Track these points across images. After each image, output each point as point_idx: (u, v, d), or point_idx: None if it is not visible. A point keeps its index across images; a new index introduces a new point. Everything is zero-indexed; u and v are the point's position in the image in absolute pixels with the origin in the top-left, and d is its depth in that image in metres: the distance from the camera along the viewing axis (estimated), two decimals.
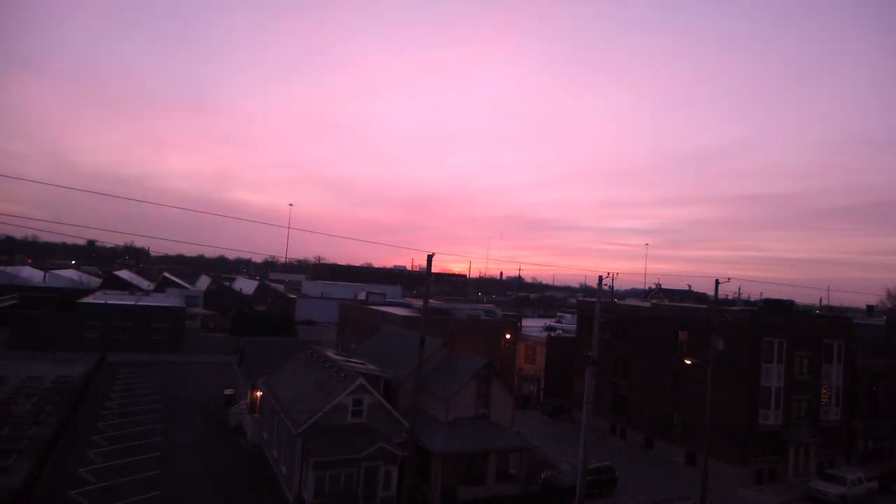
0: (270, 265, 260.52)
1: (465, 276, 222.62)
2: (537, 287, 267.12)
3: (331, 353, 40.85)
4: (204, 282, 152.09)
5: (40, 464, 30.15)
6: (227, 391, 49.92)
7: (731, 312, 42.97)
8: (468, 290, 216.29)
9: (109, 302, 76.52)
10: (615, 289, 39.54)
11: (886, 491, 41.71)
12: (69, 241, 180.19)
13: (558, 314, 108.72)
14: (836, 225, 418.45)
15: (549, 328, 75.23)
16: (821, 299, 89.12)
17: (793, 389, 42.85)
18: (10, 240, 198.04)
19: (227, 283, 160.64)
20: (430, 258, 27.66)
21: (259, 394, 39.22)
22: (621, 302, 65.00)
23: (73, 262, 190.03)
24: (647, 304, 61.39)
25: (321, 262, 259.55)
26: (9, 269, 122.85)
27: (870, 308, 73.49)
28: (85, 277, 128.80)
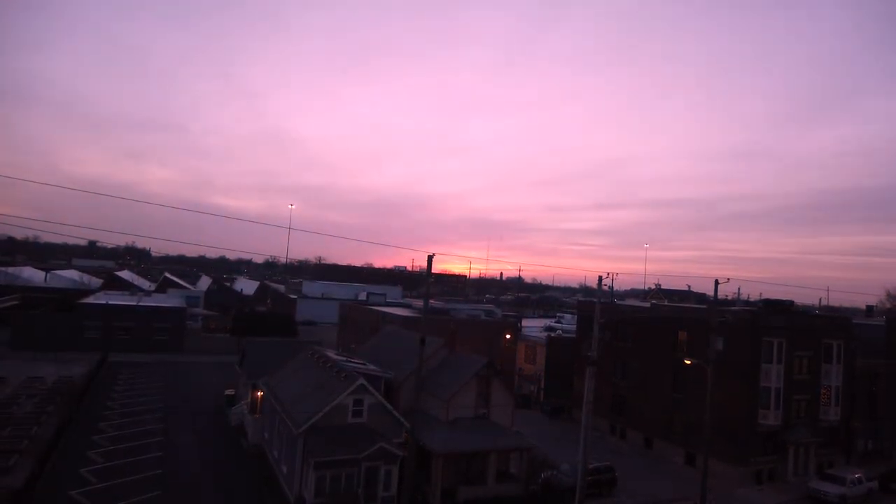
0: (271, 266, 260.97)
1: (465, 276, 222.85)
2: (537, 287, 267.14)
3: (331, 354, 40.95)
4: (205, 282, 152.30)
5: (41, 464, 30.25)
6: (228, 391, 50.03)
7: (731, 313, 43.04)
8: (468, 291, 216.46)
9: (110, 302, 76.64)
10: (615, 289, 39.65)
11: (886, 491, 41.75)
12: (70, 241, 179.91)
13: (558, 314, 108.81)
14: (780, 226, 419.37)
15: (549, 328, 75.34)
16: (820, 299, 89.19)
17: (792, 389, 42.91)
18: (10, 240, 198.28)
19: (228, 284, 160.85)
20: (430, 259, 27.76)
21: (260, 394, 39.33)
22: (621, 302, 65.09)
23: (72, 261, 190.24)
24: (647, 305, 61.47)
25: (321, 262, 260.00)
26: (10, 269, 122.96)
27: (869, 308, 73.54)
28: (86, 278, 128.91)
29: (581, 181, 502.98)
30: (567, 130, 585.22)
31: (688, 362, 39.64)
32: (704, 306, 51.50)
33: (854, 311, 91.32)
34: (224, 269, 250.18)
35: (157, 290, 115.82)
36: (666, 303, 72.01)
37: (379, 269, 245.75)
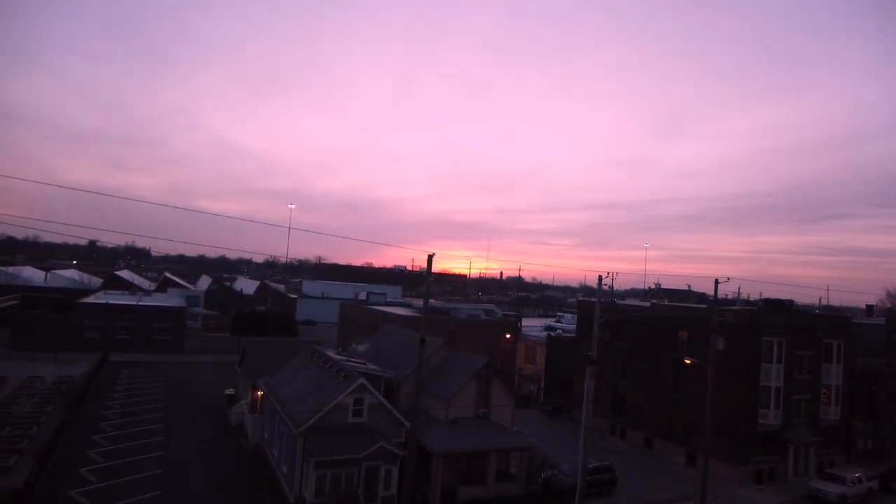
0: (271, 265, 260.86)
1: (466, 276, 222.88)
2: (537, 287, 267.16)
3: (331, 353, 40.94)
4: (205, 282, 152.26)
5: (41, 464, 30.25)
6: (228, 391, 50.03)
7: (731, 312, 43.03)
8: (468, 290, 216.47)
9: (110, 302, 76.62)
10: (615, 289, 39.66)
11: (886, 490, 41.74)
12: (70, 240, 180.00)
13: (558, 314, 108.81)
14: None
15: (549, 328, 75.35)
16: (820, 299, 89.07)
17: (792, 389, 42.92)
18: (11, 240, 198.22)
19: (228, 283, 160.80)
20: (430, 258, 27.73)
21: (260, 393, 39.33)
22: (621, 302, 65.07)
23: (74, 262, 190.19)
24: (647, 304, 61.45)
25: (322, 262, 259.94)
26: (10, 269, 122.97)
27: (869, 308, 73.48)
28: (86, 277, 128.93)
29: (517, 186, 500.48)
30: (500, 138, 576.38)
31: (688, 362, 39.64)
32: (704, 306, 51.49)
33: (854, 311, 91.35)
34: (224, 268, 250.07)
35: (157, 290, 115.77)
36: (666, 302, 71.97)
37: (379, 269, 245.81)
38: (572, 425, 51.71)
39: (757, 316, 42.54)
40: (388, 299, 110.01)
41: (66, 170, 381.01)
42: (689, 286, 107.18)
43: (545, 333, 67.82)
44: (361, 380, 31.63)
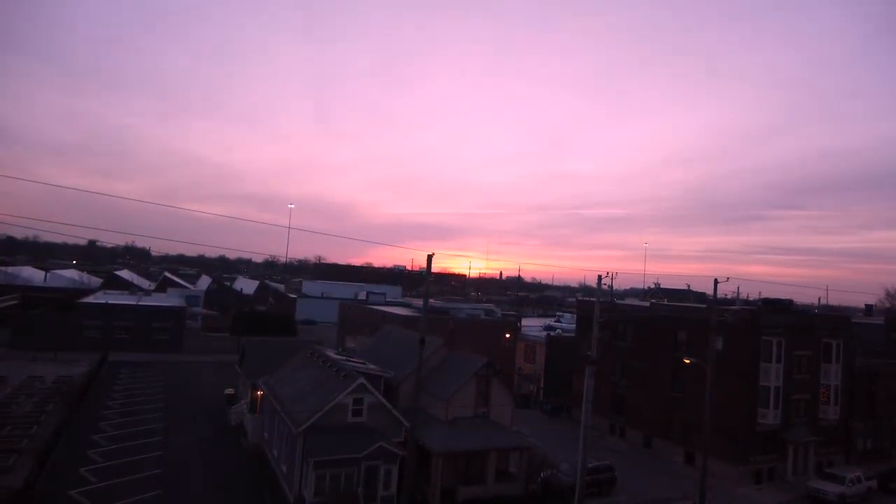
0: (271, 265, 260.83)
1: (465, 276, 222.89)
2: (536, 287, 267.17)
3: (331, 353, 40.97)
4: (204, 282, 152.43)
5: (41, 463, 30.27)
6: (228, 391, 50.06)
7: (730, 312, 43.07)
8: (468, 290, 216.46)
9: (110, 302, 76.65)
10: (614, 289, 39.69)
11: (885, 490, 41.80)
12: (70, 240, 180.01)
13: (557, 314, 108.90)
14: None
15: (549, 328, 75.40)
16: (819, 299, 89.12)
17: (792, 389, 42.96)
18: (10, 240, 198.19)
19: (228, 283, 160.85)
20: (429, 258, 27.77)
21: (259, 393, 39.35)
22: (620, 302, 65.10)
23: (74, 261, 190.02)
24: (647, 304, 61.49)
25: (321, 261, 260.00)
26: (10, 269, 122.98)
27: (868, 308, 73.58)
28: (86, 277, 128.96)
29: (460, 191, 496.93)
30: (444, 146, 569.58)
31: (687, 361, 39.68)
32: (704, 306, 51.54)
33: (853, 311, 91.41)
34: (224, 268, 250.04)
35: (157, 290, 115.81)
36: (665, 302, 72.05)
37: (379, 269, 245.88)
38: (572, 425, 51.75)
39: (756, 316, 42.57)
40: (387, 299, 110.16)
41: (56, 178, 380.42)
42: (689, 286, 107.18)
43: (545, 333, 67.86)
44: (361, 379, 31.66)
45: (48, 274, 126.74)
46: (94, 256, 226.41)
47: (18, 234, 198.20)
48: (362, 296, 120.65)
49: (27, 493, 26.72)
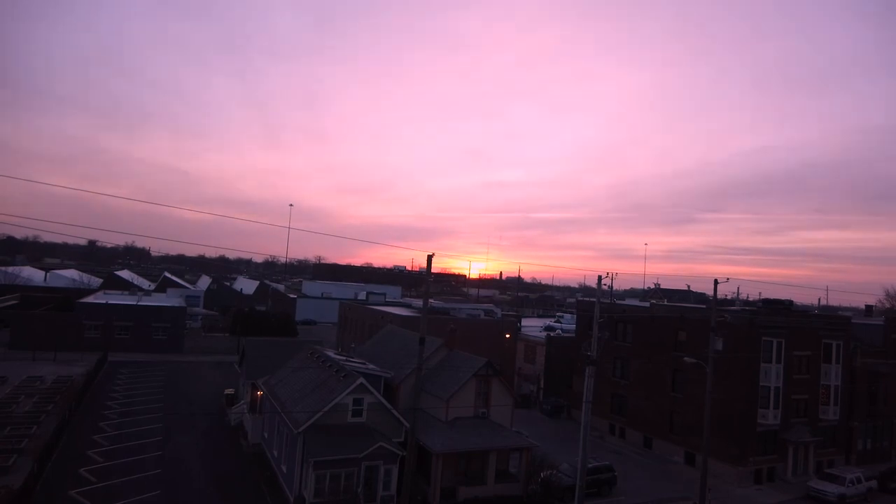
0: (271, 265, 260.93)
1: (465, 276, 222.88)
2: (536, 287, 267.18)
3: (331, 353, 40.96)
4: (204, 282, 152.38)
5: (41, 463, 30.26)
6: (228, 391, 50.03)
7: (730, 312, 43.05)
8: (468, 290, 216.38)
9: (110, 302, 76.64)
10: (614, 289, 39.70)
11: (885, 490, 41.82)
12: (70, 240, 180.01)
13: (557, 314, 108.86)
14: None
15: (549, 328, 75.36)
16: (819, 299, 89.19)
17: (792, 389, 42.98)
18: (11, 240, 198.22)
19: (228, 283, 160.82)
20: (429, 258, 27.77)
21: (259, 393, 39.34)
22: (621, 302, 65.10)
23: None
24: (647, 304, 61.47)
25: (321, 262, 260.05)
26: (9, 269, 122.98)
27: (868, 308, 73.53)
28: (86, 277, 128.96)
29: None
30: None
31: (687, 361, 39.66)
32: (704, 306, 51.51)
33: (853, 311, 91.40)
34: (224, 268, 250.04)
35: (157, 290, 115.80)
36: (665, 302, 72.05)
37: (378, 269, 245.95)
38: (572, 425, 51.77)
39: (756, 316, 42.59)
40: (387, 299, 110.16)
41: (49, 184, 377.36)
42: (689, 286, 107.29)
43: (545, 333, 67.85)
44: (361, 380, 31.66)
45: (48, 274, 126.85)
46: (93, 257, 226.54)
47: (19, 234, 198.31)
48: (362, 296, 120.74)
49: (27, 493, 26.72)
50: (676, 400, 45.54)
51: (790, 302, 50.48)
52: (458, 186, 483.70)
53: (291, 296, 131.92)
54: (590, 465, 33.08)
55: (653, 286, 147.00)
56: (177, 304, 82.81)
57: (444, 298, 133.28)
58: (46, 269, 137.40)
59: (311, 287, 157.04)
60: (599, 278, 31.01)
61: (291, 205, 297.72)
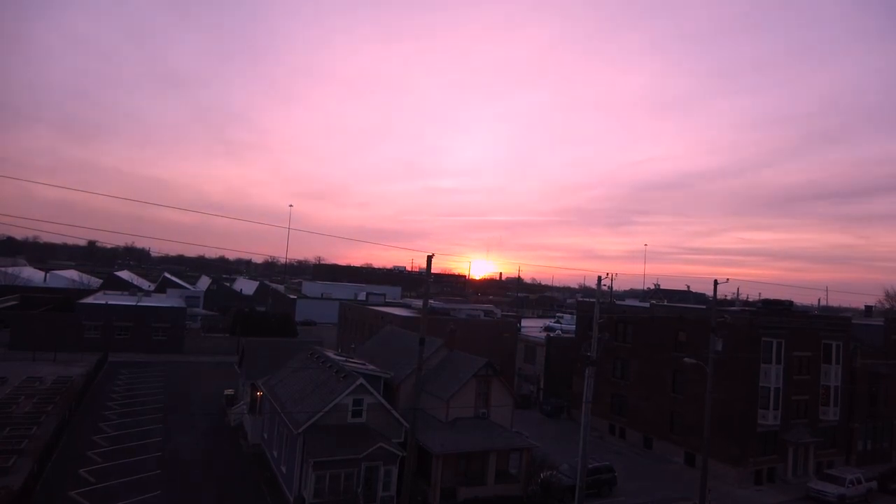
0: (271, 266, 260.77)
1: (465, 276, 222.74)
2: (536, 287, 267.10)
3: (331, 354, 40.96)
4: (204, 282, 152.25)
5: (41, 464, 30.25)
6: (228, 391, 50.02)
7: (730, 313, 43.03)
8: (467, 291, 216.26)
9: (110, 302, 76.62)
10: (614, 289, 39.69)
11: (885, 491, 41.80)
12: (70, 241, 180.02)
13: (557, 314, 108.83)
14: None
15: (549, 328, 75.37)
16: (819, 300, 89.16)
17: (791, 390, 42.97)
18: (11, 240, 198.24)
19: (228, 284, 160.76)
20: (429, 259, 27.76)
21: (259, 394, 39.33)
22: (620, 302, 65.10)
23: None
24: (647, 305, 61.47)
25: (321, 262, 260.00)
26: (9, 269, 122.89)
27: (868, 309, 73.55)
28: (85, 278, 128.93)
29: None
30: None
31: (687, 361, 39.66)
32: (704, 306, 51.51)
33: (853, 312, 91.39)
34: (224, 269, 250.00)
35: (157, 290, 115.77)
36: (665, 303, 72.01)
37: (378, 269, 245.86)
38: (572, 425, 51.75)
39: (756, 316, 42.59)
40: (387, 300, 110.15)
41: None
42: (689, 287, 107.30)
43: (544, 334, 67.83)
44: (361, 380, 31.65)
45: (48, 274, 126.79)
46: (93, 257, 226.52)
47: (18, 234, 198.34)
48: (362, 296, 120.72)
49: (27, 493, 26.71)
50: (676, 400, 45.53)
51: (790, 302, 50.45)
52: (404, 192, 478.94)
53: (291, 296, 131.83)
54: (590, 466, 33.08)
55: (653, 286, 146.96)
56: (177, 305, 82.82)
57: (444, 299, 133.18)
58: (46, 269, 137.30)
59: (311, 287, 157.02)
60: (599, 279, 31.02)
61: (291, 205, 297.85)
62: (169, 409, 46.23)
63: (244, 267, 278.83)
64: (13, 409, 41.42)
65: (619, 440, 50.06)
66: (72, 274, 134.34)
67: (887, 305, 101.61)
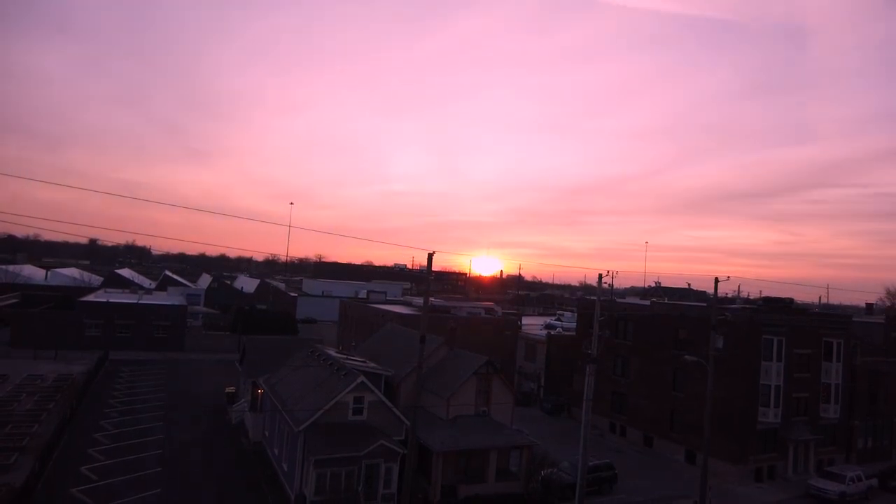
0: (271, 264, 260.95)
1: (466, 274, 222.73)
2: (537, 285, 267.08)
3: (332, 352, 41.00)
4: (205, 280, 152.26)
5: (42, 462, 30.32)
6: (229, 389, 50.08)
7: (731, 310, 43.03)
8: (468, 289, 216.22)
9: (111, 300, 76.70)
10: (615, 287, 39.66)
11: (886, 489, 41.84)
12: (71, 239, 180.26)
13: (558, 312, 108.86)
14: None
15: (549, 326, 75.41)
16: (819, 298, 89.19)
17: (792, 387, 42.97)
18: (11, 238, 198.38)
19: (229, 282, 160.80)
20: (430, 257, 27.75)
21: (260, 392, 39.39)
22: (621, 300, 65.08)
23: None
24: (647, 303, 61.46)
25: (322, 260, 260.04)
26: (10, 267, 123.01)
27: (869, 306, 73.55)
28: (86, 276, 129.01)
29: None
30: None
31: (688, 359, 39.65)
32: (704, 304, 51.49)
33: (854, 309, 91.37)
34: (224, 267, 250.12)
35: (158, 288, 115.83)
36: (666, 301, 72.03)
37: (379, 267, 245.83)
38: (572, 423, 51.81)
39: (757, 314, 42.57)
40: (387, 297, 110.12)
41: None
42: (689, 284, 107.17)
43: (545, 331, 67.86)
44: (361, 378, 31.67)
45: (49, 272, 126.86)
46: (94, 255, 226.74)
47: (19, 232, 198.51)
48: (362, 294, 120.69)
49: (29, 491, 26.78)
50: (677, 398, 45.55)
51: (791, 300, 50.42)
52: (362, 195, 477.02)
53: (292, 294, 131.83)
54: (590, 464, 33.08)
55: (653, 284, 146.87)
56: (178, 303, 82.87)
57: (445, 297, 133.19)
58: (47, 267, 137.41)
59: (312, 285, 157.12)
60: (600, 277, 31.01)
61: (292, 203, 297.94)
62: (170, 406, 46.31)
63: (245, 265, 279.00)
64: (14, 406, 41.50)
65: (620, 438, 50.11)
66: (73, 272, 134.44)
67: (888, 303, 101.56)
